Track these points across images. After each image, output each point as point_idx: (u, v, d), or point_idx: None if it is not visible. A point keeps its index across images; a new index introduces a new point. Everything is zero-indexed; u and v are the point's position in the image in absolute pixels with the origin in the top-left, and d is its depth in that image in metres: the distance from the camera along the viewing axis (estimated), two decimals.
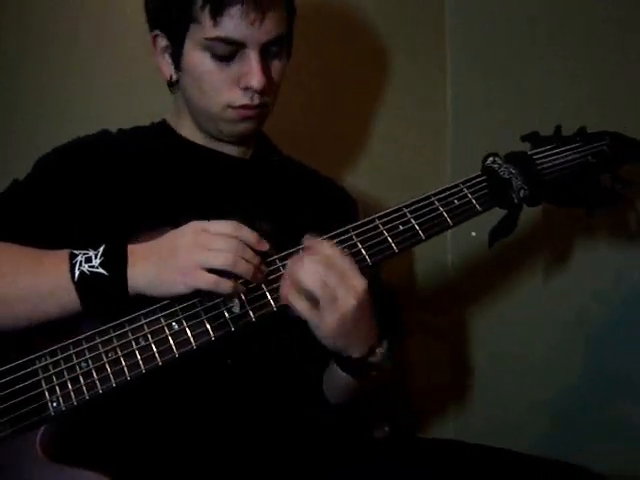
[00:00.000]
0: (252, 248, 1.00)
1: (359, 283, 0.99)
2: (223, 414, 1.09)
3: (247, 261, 0.99)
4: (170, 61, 1.19)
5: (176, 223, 1.03)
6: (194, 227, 1.00)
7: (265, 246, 1.01)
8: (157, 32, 1.18)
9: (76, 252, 0.99)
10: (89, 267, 0.97)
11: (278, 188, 1.27)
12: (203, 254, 0.97)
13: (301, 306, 0.99)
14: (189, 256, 0.97)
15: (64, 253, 1.00)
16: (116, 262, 0.98)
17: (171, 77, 1.20)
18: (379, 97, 1.77)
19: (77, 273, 0.97)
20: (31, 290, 0.99)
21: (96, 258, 0.98)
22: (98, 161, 1.17)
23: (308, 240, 1.02)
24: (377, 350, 1.07)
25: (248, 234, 1.00)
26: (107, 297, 0.98)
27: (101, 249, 0.99)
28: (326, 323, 0.98)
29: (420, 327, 1.77)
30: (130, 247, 1.00)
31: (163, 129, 1.26)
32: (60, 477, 0.92)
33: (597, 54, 1.50)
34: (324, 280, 0.97)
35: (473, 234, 1.62)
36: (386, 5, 1.76)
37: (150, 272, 0.98)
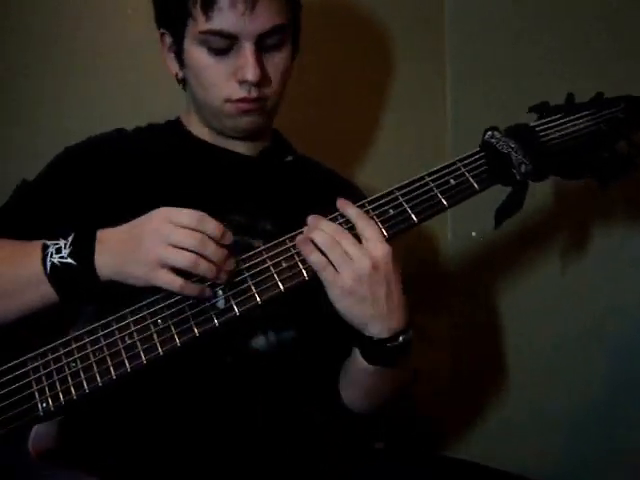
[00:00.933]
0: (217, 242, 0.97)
1: (378, 247, 0.99)
2: (222, 412, 1.08)
3: (209, 260, 0.96)
4: (175, 59, 1.20)
5: None
6: (159, 215, 0.98)
7: (229, 238, 0.99)
8: (163, 30, 1.20)
9: (48, 243, 1.01)
10: (59, 258, 0.99)
11: (285, 188, 1.24)
12: (164, 250, 0.95)
13: (314, 258, 0.99)
14: (151, 250, 0.96)
15: (38, 245, 1.01)
16: (83, 251, 0.98)
17: (177, 75, 1.22)
18: (378, 98, 1.74)
19: (49, 265, 0.99)
20: (10, 284, 1.01)
21: (65, 248, 0.99)
22: (109, 159, 1.18)
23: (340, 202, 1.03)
24: (400, 337, 1.03)
25: (212, 226, 0.97)
26: (79, 287, 0.99)
27: (70, 238, 1.00)
28: (341, 280, 0.98)
29: (419, 331, 1.73)
30: (100, 233, 1.00)
31: (176, 127, 1.27)
32: (52, 477, 0.94)
33: (597, 53, 1.45)
34: (335, 239, 0.99)
35: (473, 234, 1.57)
36: (386, 5, 1.72)
37: (114, 262, 0.98)
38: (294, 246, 1.02)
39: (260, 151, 1.26)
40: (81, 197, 1.14)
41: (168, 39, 1.19)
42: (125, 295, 1.00)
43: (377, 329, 1.02)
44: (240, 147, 1.24)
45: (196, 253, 0.95)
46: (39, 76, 1.47)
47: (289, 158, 1.30)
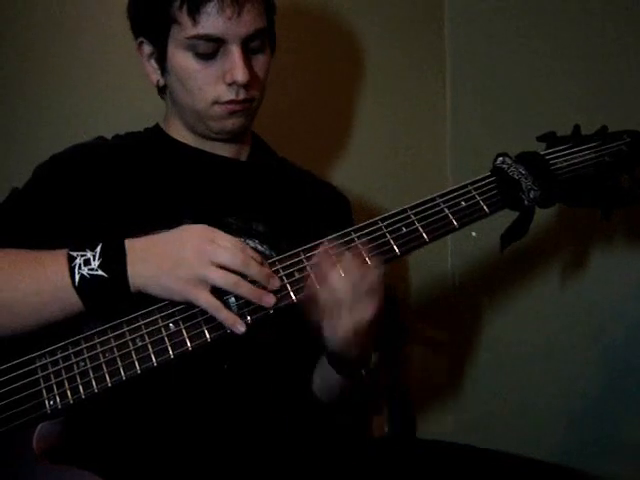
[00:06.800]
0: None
1: (381, 298, 1.01)
2: (219, 418, 1.08)
3: (251, 281, 0.99)
4: (156, 66, 1.21)
5: (171, 226, 1.03)
6: (201, 234, 1.00)
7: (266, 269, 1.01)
8: (141, 39, 1.21)
9: (74, 254, 1.00)
10: (89, 270, 0.98)
11: (274, 190, 1.26)
12: (206, 270, 0.97)
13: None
14: (194, 267, 0.97)
15: (62, 256, 1.00)
16: (115, 262, 0.98)
17: (158, 82, 1.22)
18: (378, 98, 1.76)
19: (77, 277, 0.98)
20: (33, 296, 1.00)
21: (94, 260, 0.98)
22: (94, 167, 1.18)
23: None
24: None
25: (253, 254, 1.00)
26: (109, 298, 0.98)
27: (98, 249, 0.99)
28: (343, 327, 1.00)
29: (420, 335, 1.75)
30: (129, 243, 1.00)
31: (157, 133, 1.27)
32: (55, 476, 0.93)
33: (597, 53, 1.49)
34: (354, 286, 0.99)
35: (473, 234, 1.59)
36: (386, 4, 1.75)
37: (149, 274, 0.98)
38: (307, 258, 1.04)
39: (247, 154, 1.28)
40: (71, 204, 1.13)
41: (147, 47, 1.20)
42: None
43: (356, 358, 1.06)
44: (227, 151, 1.25)
45: (239, 273, 0.98)
46: (38, 81, 1.48)
47: (272, 160, 1.32)
